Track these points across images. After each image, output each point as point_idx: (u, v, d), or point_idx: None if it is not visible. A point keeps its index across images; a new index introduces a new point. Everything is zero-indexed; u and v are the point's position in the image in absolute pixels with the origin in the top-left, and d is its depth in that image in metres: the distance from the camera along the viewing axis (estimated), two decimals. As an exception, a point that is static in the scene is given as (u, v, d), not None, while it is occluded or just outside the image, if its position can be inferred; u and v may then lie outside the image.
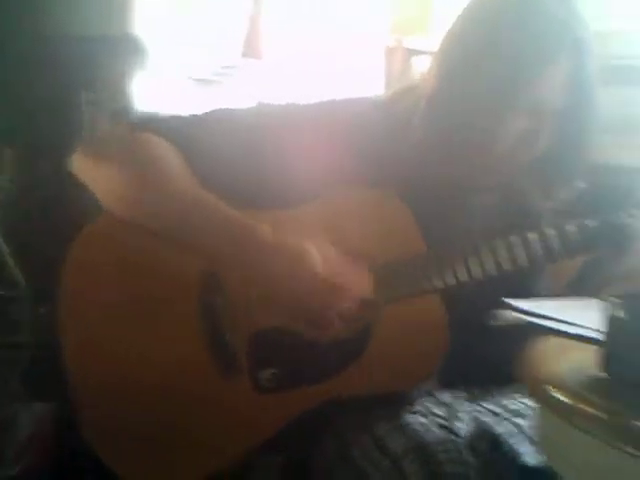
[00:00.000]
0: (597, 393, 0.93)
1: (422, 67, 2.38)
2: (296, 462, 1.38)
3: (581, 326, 1.14)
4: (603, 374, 0.97)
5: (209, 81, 2.19)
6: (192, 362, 1.28)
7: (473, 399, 1.40)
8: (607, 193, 1.38)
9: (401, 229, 1.31)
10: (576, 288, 1.38)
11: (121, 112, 2.02)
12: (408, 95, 1.37)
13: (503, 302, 1.24)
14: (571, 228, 1.31)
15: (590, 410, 0.90)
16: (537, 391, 1.01)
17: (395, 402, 1.32)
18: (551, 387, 0.96)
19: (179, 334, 1.28)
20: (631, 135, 2.05)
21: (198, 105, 1.45)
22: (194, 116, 1.39)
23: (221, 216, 1.25)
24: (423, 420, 1.29)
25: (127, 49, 2.01)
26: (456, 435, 1.26)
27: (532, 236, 1.30)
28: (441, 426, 1.28)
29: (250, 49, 2.19)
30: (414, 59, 2.43)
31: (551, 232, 1.30)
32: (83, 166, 1.33)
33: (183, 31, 2.14)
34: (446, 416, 1.32)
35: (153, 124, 1.35)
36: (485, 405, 1.38)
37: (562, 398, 0.94)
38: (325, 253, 1.24)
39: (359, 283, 1.26)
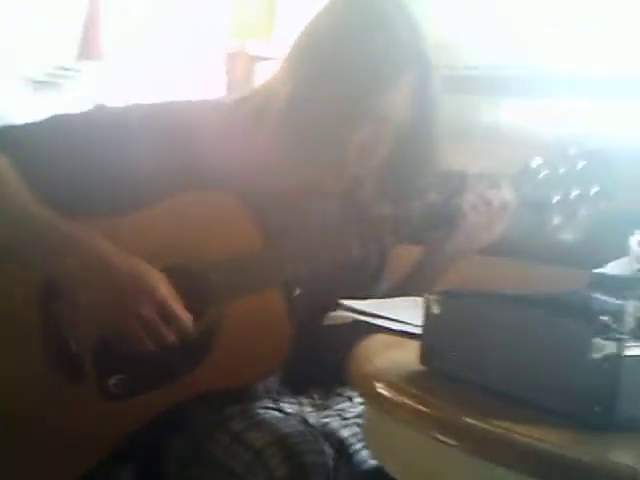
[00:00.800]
0: (417, 387, 0.97)
1: (265, 73, 2.41)
2: (148, 468, 1.38)
3: (406, 323, 1.18)
4: (422, 368, 1.01)
5: (46, 83, 2.13)
6: (36, 374, 1.27)
7: (319, 401, 1.43)
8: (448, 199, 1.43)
9: (239, 230, 1.33)
10: (414, 280, 1.44)
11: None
12: (250, 100, 1.39)
13: (337, 302, 1.28)
14: (400, 214, 1.36)
15: (410, 403, 0.93)
16: (362, 386, 1.05)
17: (246, 400, 1.35)
18: (374, 382, 0.99)
19: (21, 347, 1.27)
20: (465, 141, 2.14)
21: (34, 108, 1.42)
22: (30, 124, 1.35)
23: (51, 232, 1.24)
24: (279, 415, 1.33)
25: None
26: (312, 427, 1.30)
27: (366, 226, 1.35)
28: (297, 420, 1.32)
29: (87, 50, 2.14)
30: (258, 65, 2.44)
31: (383, 220, 1.35)
32: None
33: (16, 30, 2.06)
34: (298, 412, 1.36)
35: None
36: (332, 408, 1.41)
37: (384, 392, 0.97)
38: (160, 279, 1.24)
39: (185, 315, 1.26)
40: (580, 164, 1.36)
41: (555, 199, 1.36)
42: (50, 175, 1.28)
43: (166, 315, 1.24)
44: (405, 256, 1.40)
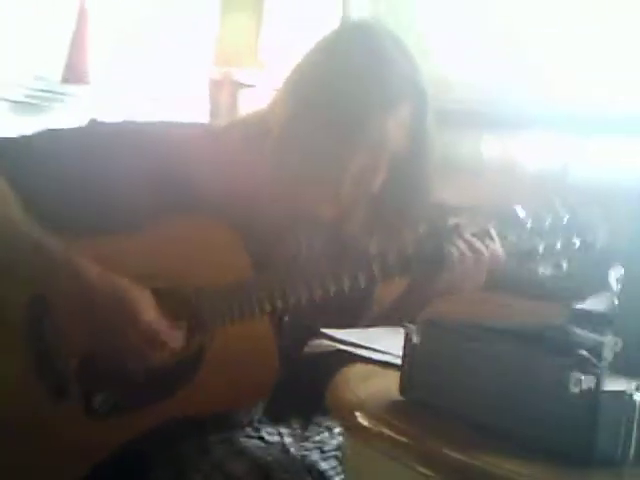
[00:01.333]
0: (396, 417, 0.97)
1: (250, 100, 2.42)
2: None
3: (386, 352, 1.18)
4: (402, 398, 1.01)
5: (27, 104, 2.12)
6: (18, 388, 1.27)
7: (299, 432, 1.42)
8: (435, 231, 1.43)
9: (229, 256, 1.33)
10: (396, 311, 1.43)
11: None
12: (240, 126, 1.40)
13: (318, 331, 1.28)
14: (390, 250, 1.36)
15: (389, 433, 0.93)
16: (341, 416, 1.04)
17: (229, 427, 1.34)
18: (353, 411, 0.99)
19: (5, 360, 1.26)
20: (448, 175, 2.15)
21: (16, 130, 1.41)
22: (21, 137, 1.35)
23: (45, 252, 1.23)
24: (260, 444, 1.32)
25: None
26: (294, 456, 1.30)
27: (355, 259, 1.34)
28: (278, 450, 1.31)
29: (72, 74, 2.13)
30: (242, 92, 2.45)
31: (373, 255, 1.35)
32: None
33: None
34: (280, 442, 1.35)
35: None
36: (311, 439, 1.40)
37: (363, 422, 0.97)
38: (146, 302, 1.24)
39: (172, 337, 1.27)
40: (566, 217, 1.39)
41: (541, 250, 1.38)
42: (39, 190, 1.28)
43: (153, 340, 1.24)
44: (390, 285, 1.40)
